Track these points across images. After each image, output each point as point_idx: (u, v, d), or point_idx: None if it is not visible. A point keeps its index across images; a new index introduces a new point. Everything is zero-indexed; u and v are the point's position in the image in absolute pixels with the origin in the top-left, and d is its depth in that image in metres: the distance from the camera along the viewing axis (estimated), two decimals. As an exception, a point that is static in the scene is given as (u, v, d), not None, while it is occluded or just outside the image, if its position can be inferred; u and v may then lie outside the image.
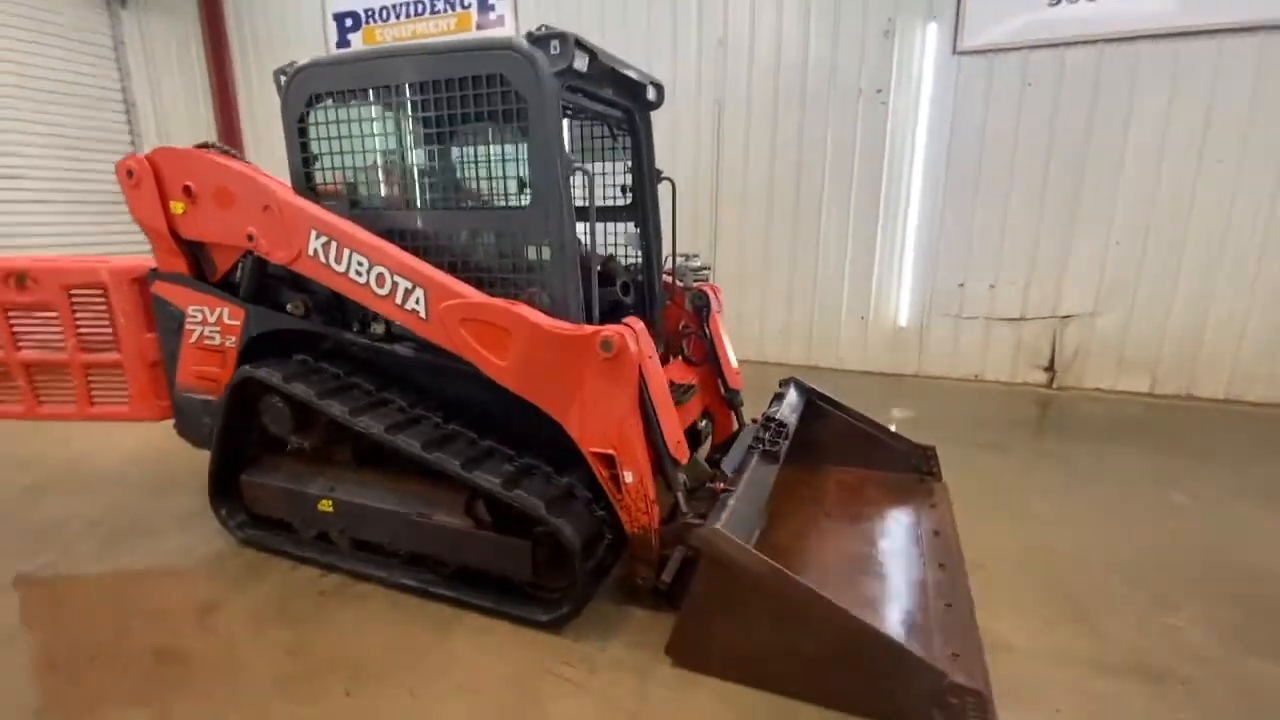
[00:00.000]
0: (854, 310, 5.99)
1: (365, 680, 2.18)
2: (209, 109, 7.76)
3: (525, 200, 2.57)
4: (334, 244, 2.60)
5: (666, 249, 3.56)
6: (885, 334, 5.94)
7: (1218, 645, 2.30)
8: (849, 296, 5.98)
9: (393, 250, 2.54)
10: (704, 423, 3.61)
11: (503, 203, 2.76)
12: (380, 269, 2.54)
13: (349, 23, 7.18)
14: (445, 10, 6.74)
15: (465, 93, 2.44)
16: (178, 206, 2.89)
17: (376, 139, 2.69)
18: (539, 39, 2.32)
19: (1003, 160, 5.26)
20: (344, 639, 2.40)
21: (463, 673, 2.21)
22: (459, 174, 2.92)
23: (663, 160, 5.95)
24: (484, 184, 2.82)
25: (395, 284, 2.53)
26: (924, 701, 1.85)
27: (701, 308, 3.41)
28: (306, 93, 2.73)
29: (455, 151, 2.89)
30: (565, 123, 3.30)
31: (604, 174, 3.47)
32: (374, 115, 2.69)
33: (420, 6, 6.83)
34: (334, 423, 2.63)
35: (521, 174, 2.55)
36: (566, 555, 2.30)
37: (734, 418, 3.57)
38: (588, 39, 2.40)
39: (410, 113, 2.66)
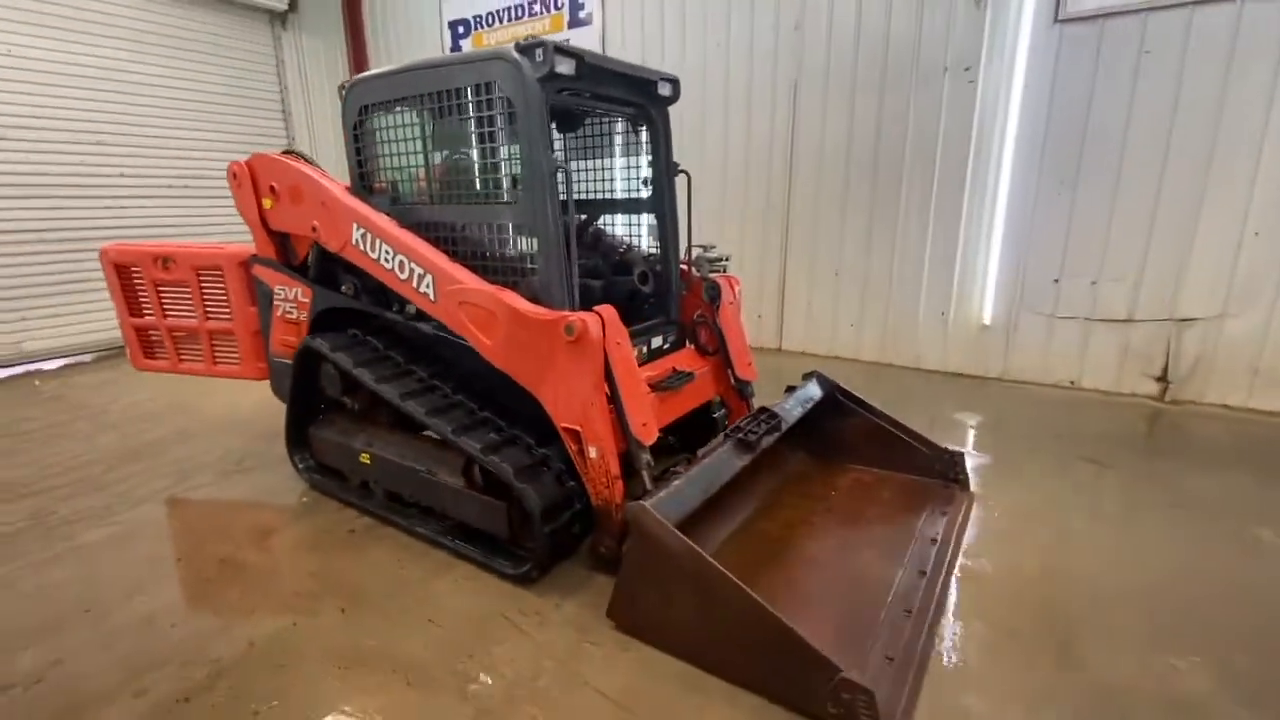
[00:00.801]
0: (933, 305, 5.62)
1: (360, 603, 2.59)
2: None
3: (518, 195, 2.81)
4: (369, 235, 3.02)
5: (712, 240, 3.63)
6: (967, 332, 5.51)
7: (1213, 693, 2.03)
8: (928, 291, 5.61)
9: (411, 240, 2.91)
10: (720, 412, 3.69)
11: (500, 198, 3.03)
12: (402, 257, 2.93)
13: (461, 30, 7.87)
14: (541, 13, 7.17)
15: (467, 100, 2.73)
16: (267, 202, 3.49)
17: (406, 142, 3.07)
18: (524, 48, 2.54)
19: (1111, 140, 4.65)
20: (356, 570, 2.84)
21: (436, 609, 2.54)
22: (467, 172, 3.23)
23: (737, 145, 5.95)
24: (487, 181, 3.09)
25: (412, 270, 2.90)
26: (820, 693, 1.88)
27: (714, 298, 3.47)
28: (358, 104, 3.18)
29: (465, 152, 3.20)
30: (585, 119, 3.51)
31: (628, 168, 3.64)
32: (406, 121, 3.07)
33: (520, 11, 7.32)
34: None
35: (514, 171, 2.80)
36: (529, 518, 2.55)
37: (747, 408, 3.60)
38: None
39: (429, 118, 3.00)
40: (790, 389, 3.50)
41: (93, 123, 6.58)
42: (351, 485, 3.47)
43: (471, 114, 2.75)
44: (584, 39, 6.91)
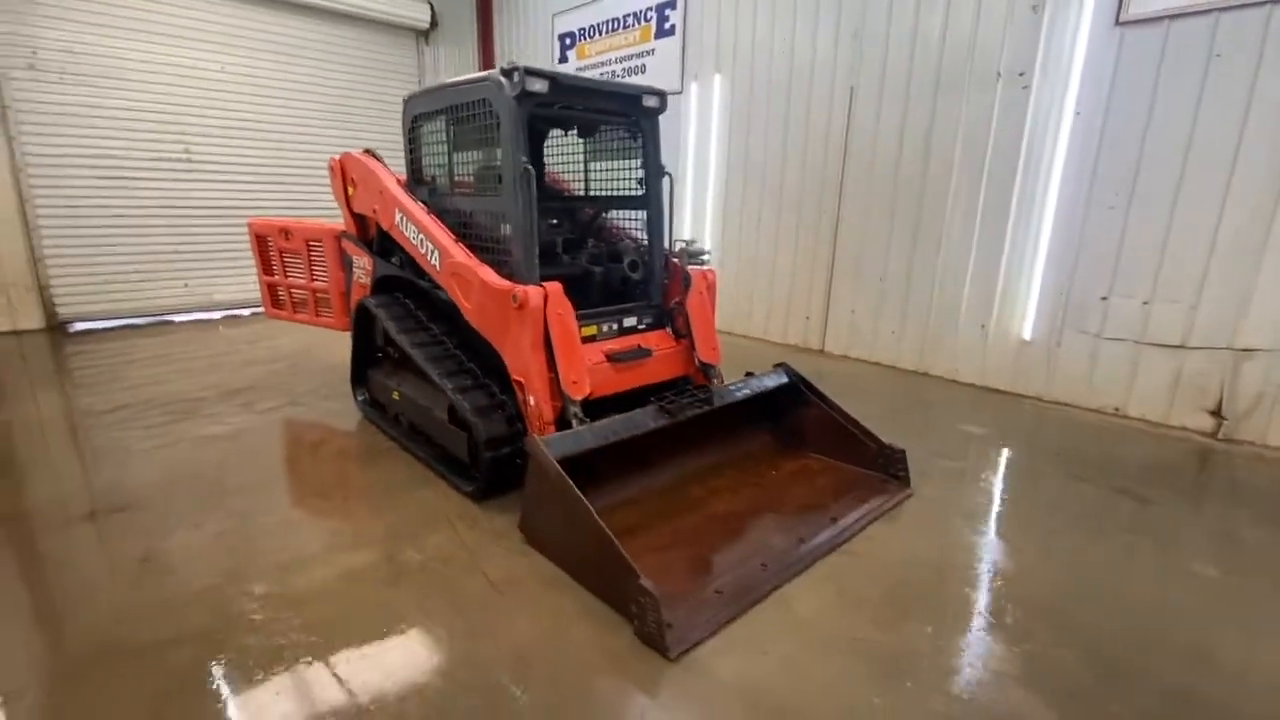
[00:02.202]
0: (974, 317, 5.47)
1: (357, 496, 3.42)
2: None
3: (500, 190, 3.44)
4: (404, 218, 3.84)
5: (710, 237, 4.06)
6: (1007, 347, 5.31)
7: (1019, 681, 2.17)
8: (969, 301, 5.48)
9: (429, 223, 3.67)
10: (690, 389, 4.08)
11: (494, 192, 3.67)
12: (422, 235, 3.71)
13: (568, 41, 8.74)
14: (633, 25, 7.80)
15: (470, 113, 3.42)
16: (350, 190, 4.48)
17: (438, 145, 3.84)
18: (506, 71, 3.16)
19: (1172, 151, 4.32)
20: (367, 476, 3.68)
21: (405, 507, 3.28)
22: (472, 170, 3.89)
23: (795, 149, 6.15)
24: (485, 177, 3.74)
25: (428, 246, 3.67)
26: (628, 596, 2.32)
27: (687, 287, 3.88)
28: (411, 114, 4.02)
29: (472, 154, 3.88)
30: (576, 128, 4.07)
31: (628, 169, 4.14)
32: (438, 129, 3.84)
33: (616, 24, 8.02)
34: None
35: (500, 171, 3.44)
36: (477, 446, 3.19)
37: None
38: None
39: (451, 126, 3.73)
40: (749, 374, 3.82)
41: (267, 122, 8.30)
42: (388, 416, 4.35)
43: (474, 124, 3.44)
44: (668, 47, 7.45)
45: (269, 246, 5.34)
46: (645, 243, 4.07)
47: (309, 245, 5.04)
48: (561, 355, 3.13)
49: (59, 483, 3.57)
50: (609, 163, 4.24)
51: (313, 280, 5.13)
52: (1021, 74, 4.90)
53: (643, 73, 7.81)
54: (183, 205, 7.83)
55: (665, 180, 3.91)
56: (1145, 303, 4.57)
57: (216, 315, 8.28)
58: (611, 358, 3.51)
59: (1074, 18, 4.61)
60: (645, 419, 3.13)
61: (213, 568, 2.73)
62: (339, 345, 6.22)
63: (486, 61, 10.02)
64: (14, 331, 7.00)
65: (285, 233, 5.12)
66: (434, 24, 9.22)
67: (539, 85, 3.16)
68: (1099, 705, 2.04)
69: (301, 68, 8.41)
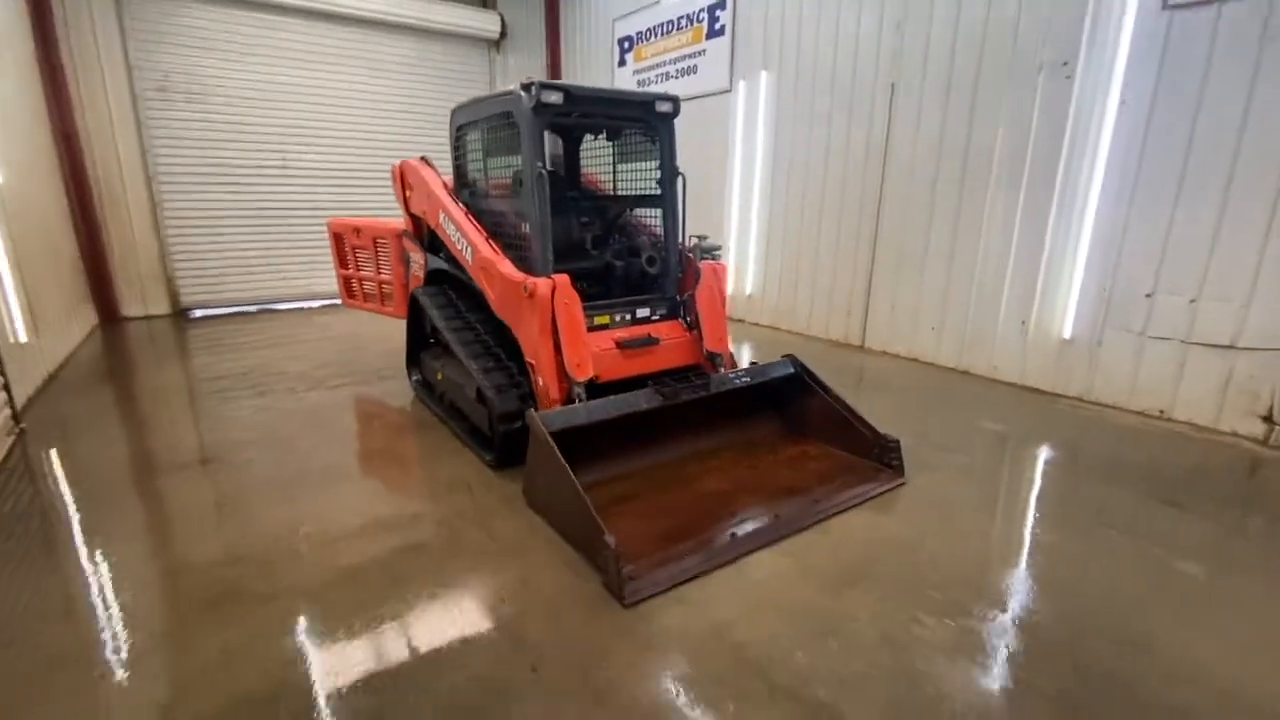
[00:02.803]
0: (1013, 313, 5.34)
1: (396, 462, 3.92)
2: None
3: (521, 191, 3.81)
4: (446, 217, 4.31)
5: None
6: (1047, 344, 5.16)
7: (941, 650, 2.30)
8: (1009, 297, 5.35)
9: (464, 221, 4.11)
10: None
11: (517, 194, 4.05)
12: (459, 233, 4.16)
13: (626, 45, 9.08)
14: (686, 26, 8.03)
15: (498, 123, 3.82)
16: (408, 193, 5.02)
17: (476, 152, 4.27)
18: (525, 86, 3.53)
19: (1224, 140, 4.09)
20: (408, 445, 4.19)
21: (438, 472, 3.74)
22: (501, 174, 4.27)
23: (838, 143, 6.17)
24: (511, 180, 4.12)
25: (463, 242, 4.11)
26: (598, 550, 2.62)
27: (697, 280, 4.12)
28: (456, 124, 4.48)
29: (501, 160, 4.26)
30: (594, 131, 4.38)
31: (648, 170, 4.41)
32: (476, 137, 4.28)
33: (670, 26, 8.27)
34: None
35: (522, 175, 3.81)
36: (492, 419, 3.60)
37: (715, 375, 4.17)
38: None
39: (485, 135, 4.15)
40: (753, 364, 4.02)
41: (354, 131, 9.16)
42: (434, 395, 4.87)
43: (502, 133, 3.84)
44: (718, 47, 7.63)
45: (344, 243, 6.03)
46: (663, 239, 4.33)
47: (375, 242, 5.66)
48: (566, 340, 3.47)
49: (171, 436, 4.32)
50: (633, 164, 4.53)
51: (379, 273, 5.76)
52: (1065, 63, 4.75)
53: (694, 73, 8.02)
54: (281, 207, 8.83)
55: (680, 180, 4.15)
56: (1192, 300, 4.34)
57: (314, 304, 9.27)
58: (620, 345, 3.81)
59: (1120, 2, 4.43)
60: (639, 400, 3.42)
61: (273, 510, 3.28)
62: (402, 332, 6.91)
63: (554, 67, 10.55)
64: (146, 316, 8.20)
65: (357, 231, 5.78)
66: (503, 34, 9.82)
67: (554, 97, 3.51)
68: (1022, 676, 2.14)
69: (385, 80, 9.23)
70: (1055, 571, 2.77)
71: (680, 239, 4.28)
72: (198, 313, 8.56)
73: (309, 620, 2.43)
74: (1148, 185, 4.45)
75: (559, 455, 2.88)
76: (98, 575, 2.76)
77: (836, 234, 6.67)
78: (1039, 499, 3.46)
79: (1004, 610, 2.49)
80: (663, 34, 8.39)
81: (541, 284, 3.44)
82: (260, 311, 8.83)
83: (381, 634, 2.35)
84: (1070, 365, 5.03)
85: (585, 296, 3.79)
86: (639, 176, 4.59)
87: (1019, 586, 2.65)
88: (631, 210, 4.70)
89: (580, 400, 3.46)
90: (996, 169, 5.28)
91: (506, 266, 3.69)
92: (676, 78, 8.29)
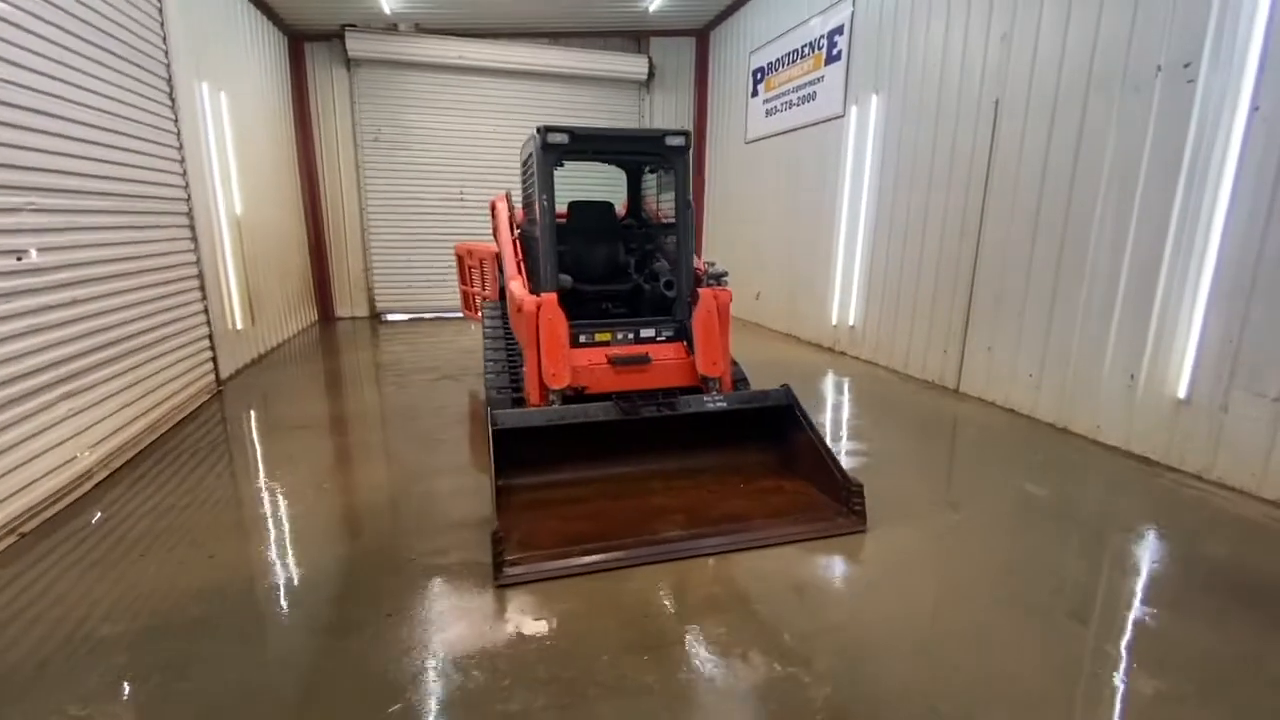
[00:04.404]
0: (1119, 365, 4.45)
1: (442, 443, 4.66)
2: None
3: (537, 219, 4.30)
4: (500, 242, 5.01)
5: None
6: (1158, 406, 4.21)
7: (733, 697, 2.23)
8: (1116, 344, 4.47)
9: (506, 247, 4.75)
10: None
11: (534, 222, 4.51)
12: (505, 256, 4.81)
13: (758, 76, 9.23)
14: (808, 54, 7.96)
15: (529, 162, 4.39)
16: (495, 221, 5.87)
17: (528, 187, 4.91)
18: (539, 130, 4.04)
19: (1393, 152, 3.09)
20: (459, 431, 4.92)
21: (462, 455, 4.39)
22: (532, 205, 4.76)
23: (941, 167, 5.89)
24: (534, 210, 4.61)
25: (505, 263, 4.75)
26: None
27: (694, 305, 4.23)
28: (521, 161, 5.18)
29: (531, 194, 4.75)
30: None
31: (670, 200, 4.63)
32: (525, 174, 4.90)
33: (794, 55, 8.26)
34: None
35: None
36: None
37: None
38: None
39: (524, 172, 4.74)
40: (746, 391, 4.04)
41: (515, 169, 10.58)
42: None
43: (529, 170, 4.40)
44: (834, 73, 7.46)
45: (463, 264, 7.15)
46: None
47: (481, 263, 6.64)
48: (545, 352, 3.88)
49: (320, 402, 5.65)
50: (665, 194, 4.80)
51: (483, 289, 6.73)
52: (1186, 65, 3.94)
53: (812, 100, 7.91)
54: (456, 234, 10.51)
55: (690, 209, 4.33)
56: (1350, 362, 3.30)
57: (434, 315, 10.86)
58: (611, 360, 4.10)
59: (1254, -11, 3.58)
60: (597, 412, 3.67)
61: (378, 467, 4.21)
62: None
63: (701, 102, 11.07)
64: (351, 317, 10.40)
65: (470, 253, 6.83)
66: (651, 74, 10.59)
67: (559, 138, 3.98)
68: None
69: (545, 122, 10.55)
70: (950, 654, 2.43)
71: (695, 264, 4.44)
72: (388, 316, 10.58)
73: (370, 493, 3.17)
74: (1288, 211, 3.50)
75: (492, 449, 3.28)
76: (257, 474, 3.85)
77: (936, 265, 6.10)
78: (1022, 584, 2.95)
79: (832, 671, 2.29)
80: (789, 63, 8.41)
81: (528, 301, 3.90)
82: (434, 318, 10.62)
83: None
84: (1186, 432, 4.05)
85: (608, 315, 4.20)
86: (668, 206, 4.85)
87: (879, 653, 2.39)
88: (666, 236, 4.95)
89: (552, 404, 3.83)
90: (1104, 192, 4.48)
91: (514, 285, 4.22)
92: (798, 105, 8.24)
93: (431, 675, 2.26)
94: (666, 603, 2.70)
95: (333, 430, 4.99)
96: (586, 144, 4.08)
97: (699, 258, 5.00)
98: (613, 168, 5.50)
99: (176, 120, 5.45)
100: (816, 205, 7.96)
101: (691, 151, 4.35)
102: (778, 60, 8.66)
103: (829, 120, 7.60)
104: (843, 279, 7.54)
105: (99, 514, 3.57)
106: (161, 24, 5.28)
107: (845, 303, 7.52)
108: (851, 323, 7.45)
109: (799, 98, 8.21)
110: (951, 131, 5.81)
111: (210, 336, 5.93)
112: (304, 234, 9.62)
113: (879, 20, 6.71)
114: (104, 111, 4.35)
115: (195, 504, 3.65)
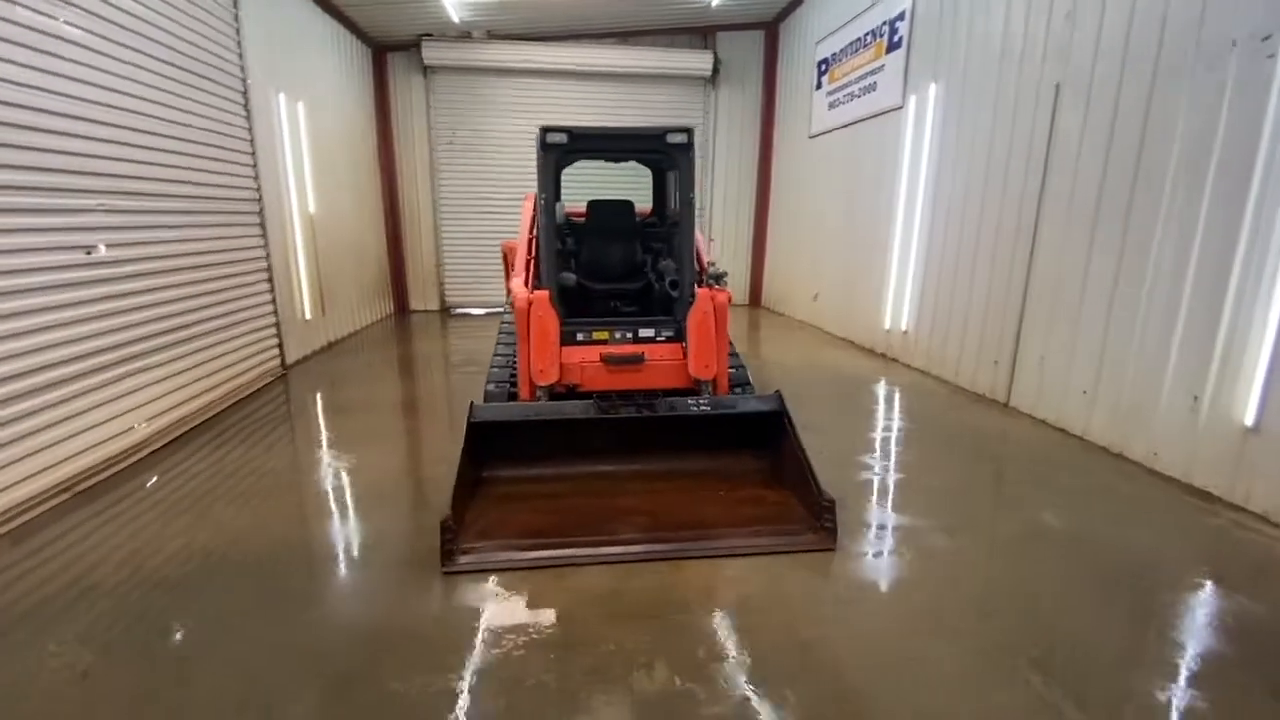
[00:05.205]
0: (1181, 384, 3.88)
1: (454, 426, 4.89)
2: (756, 147, 11.03)
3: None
4: (521, 238, 5.15)
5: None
6: (1225, 432, 3.63)
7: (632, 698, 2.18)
8: (1178, 360, 3.91)
9: (522, 243, 4.87)
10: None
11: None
12: (519, 251, 4.94)
13: (823, 67, 8.84)
14: (870, 42, 7.53)
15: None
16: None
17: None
18: (541, 129, 4.10)
19: None
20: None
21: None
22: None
23: (999, 158, 5.63)
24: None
25: (515, 261, 4.88)
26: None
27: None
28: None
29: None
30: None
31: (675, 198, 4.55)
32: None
33: (857, 44, 7.83)
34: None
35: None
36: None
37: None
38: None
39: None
40: (737, 394, 3.94)
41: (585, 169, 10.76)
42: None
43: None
44: (894, 62, 7.02)
45: (507, 260, 7.40)
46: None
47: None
48: (534, 348, 3.95)
49: (374, 386, 6.11)
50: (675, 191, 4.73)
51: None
52: (1266, 38, 3.36)
53: (873, 91, 7.48)
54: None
55: (692, 207, 4.25)
56: None
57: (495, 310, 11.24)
58: (605, 359, 4.11)
59: (1353, -59, 3.00)
60: (575, 410, 3.70)
61: (407, 444, 4.54)
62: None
63: (769, 96, 10.77)
64: (424, 310, 11.06)
65: (513, 250, 7.06)
66: (715, 70, 10.42)
67: (558, 137, 4.03)
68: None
69: (615, 121, 10.67)
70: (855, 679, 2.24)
71: (698, 264, 4.35)
72: (457, 310, 11.16)
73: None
74: (1386, 208, 2.90)
75: (466, 442, 3.40)
76: (311, 440, 4.29)
77: (990, 267, 5.60)
78: (997, 619, 2.67)
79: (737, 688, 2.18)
80: (852, 52, 7.99)
81: (520, 298, 3.99)
82: (494, 313, 11.07)
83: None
84: (1254, 465, 3.48)
85: (617, 313, 4.32)
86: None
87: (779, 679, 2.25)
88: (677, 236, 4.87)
89: (539, 399, 3.91)
90: (1170, 186, 3.92)
91: (515, 282, 4.33)
92: (859, 96, 7.82)
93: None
94: (599, 604, 2.69)
95: (381, 410, 5.40)
96: (586, 143, 4.11)
97: (707, 256, 4.91)
98: (644, 167, 5.52)
99: (250, 128, 6.05)
100: (873, 203, 7.53)
101: (693, 150, 4.24)
102: (841, 50, 8.26)
103: (888, 112, 7.15)
104: (896, 281, 7.09)
105: (154, 477, 4.06)
106: (238, 44, 5.88)
107: (899, 307, 7.06)
108: (904, 328, 6.98)
109: (860, 89, 7.79)
110: (1010, 121, 5.30)
111: (277, 325, 6.53)
112: (383, 232, 10.35)
113: (940, 3, 6.23)
114: (177, 123, 4.91)
115: (240, 472, 4.12)
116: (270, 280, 6.43)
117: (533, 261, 4.63)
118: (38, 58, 3.62)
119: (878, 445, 4.69)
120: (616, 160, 4.72)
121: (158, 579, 2.86)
